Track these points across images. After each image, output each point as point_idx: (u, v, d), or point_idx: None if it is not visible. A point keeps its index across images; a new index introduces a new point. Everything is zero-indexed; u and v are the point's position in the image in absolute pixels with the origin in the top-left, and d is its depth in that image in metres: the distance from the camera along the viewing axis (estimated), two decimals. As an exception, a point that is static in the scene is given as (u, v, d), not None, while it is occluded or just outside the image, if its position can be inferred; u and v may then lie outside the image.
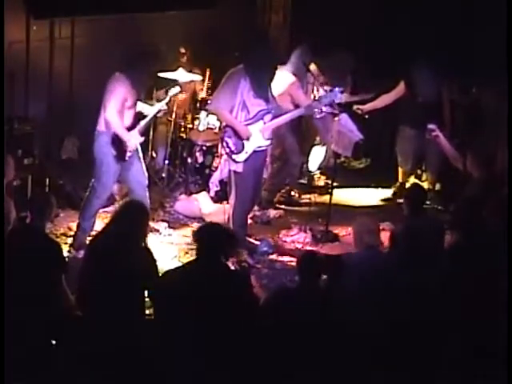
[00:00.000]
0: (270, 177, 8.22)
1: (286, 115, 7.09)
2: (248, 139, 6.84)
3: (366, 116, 8.61)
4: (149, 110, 7.17)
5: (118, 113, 6.70)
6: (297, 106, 7.60)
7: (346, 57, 8.81)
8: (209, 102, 8.36)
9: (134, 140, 6.88)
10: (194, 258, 4.97)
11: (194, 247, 4.96)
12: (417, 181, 9.14)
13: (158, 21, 8.84)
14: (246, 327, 4.72)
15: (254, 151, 6.91)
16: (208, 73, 9.01)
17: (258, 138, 6.90)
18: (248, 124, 6.84)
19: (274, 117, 6.97)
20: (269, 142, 7.03)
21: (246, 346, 4.69)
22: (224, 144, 6.95)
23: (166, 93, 7.78)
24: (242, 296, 4.82)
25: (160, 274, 5.09)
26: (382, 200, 8.87)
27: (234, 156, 6.89)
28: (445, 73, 8.40)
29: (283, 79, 7.70)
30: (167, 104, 7.57)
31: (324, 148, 8.90)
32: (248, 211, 7.23)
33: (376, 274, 5.10)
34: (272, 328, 4.70)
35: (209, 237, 4.88)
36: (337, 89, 7.22)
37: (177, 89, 7.75)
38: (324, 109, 7.31)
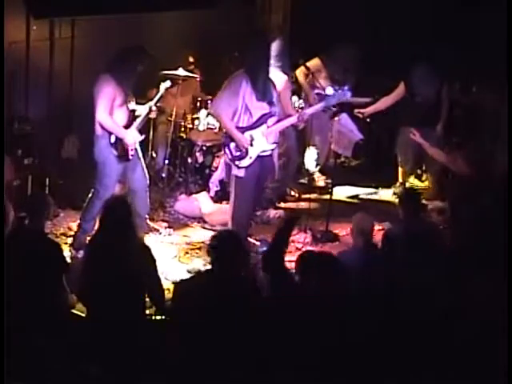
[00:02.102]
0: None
1: (290, 118, 7.04)
2: (252, 145, 6.78)
3: (368, 120, 8.61)
4: (142, 109, 7.17)
5: (108, 112, 6.70)
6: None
7: (352, 51, 8.78)
8: (209, 103, 8.42)
9: (131, 137, 6.88)
10: (209, 268, 4.85)
11: (209, 258, 4.81)
12: (417, 181, 9.15)
13: (157, 21, 8.86)
14: (264, 333, 4.68)
15: (258, 156, 6.84)
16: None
17: (262, 142, 6.82)
18: (251, 128, 6.79)
19: (278, 120, 6.91)
20: (273, 145, 6.93)
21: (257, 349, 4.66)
22: (226, 150, 6.87)
23: (158, 89, 7.76)
24: (259, 304, 4.78)
25: (175, 285, 5.03)
26: (382, 200, 8.87)
27: (236, 162, 6.81)
28: (445, 73, 8.41)
29: (277, 78, 7.64)
30: (161, 100, 7.57)
31: (316, 149, 8.89)
32: (248, 214, 7.11)
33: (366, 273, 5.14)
34: (273, 328, 4.69)
35: (223, 247, 4.77)
36: (346, 87, 7.18)
37: (167, 83, 7.72)
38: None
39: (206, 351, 4.58)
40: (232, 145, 6.81)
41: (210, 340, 4.58)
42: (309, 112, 7.25)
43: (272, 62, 7.63)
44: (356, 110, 8.54)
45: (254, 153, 6.81)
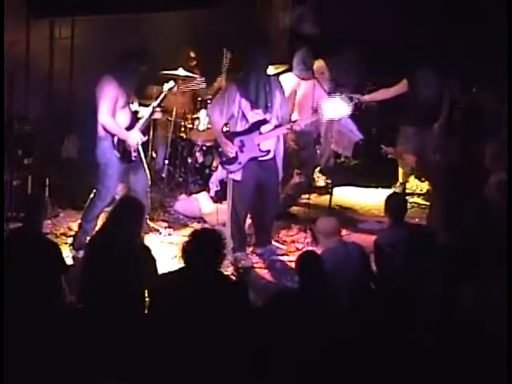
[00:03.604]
0: (293, 182, 8.01)
1: (281, 128, 6.86)
2: (242, 151, 6.74)
3: (363, 106, 8.57)
4: (145, 110, 7.18)
5: (110, 114, 6.70)
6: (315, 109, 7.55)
7: (355, 57, 8.76)
8: (209, 102, 8.42)
9: (133, 138, 6.89)
10: (183, 266, 4.80)
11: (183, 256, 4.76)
12: (417, 181, 9.15)
13: (158, 21, 8.86)
14: (242, 332, 4.67)
15: (257, 160, 6.82)
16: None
17: (253, 148, 6.77)
18: (243, 134, 6.75)
19: (276, 126, 6.83)
20: (265, 152, 6.83)
21: (244, 349, 4.65)
22: (217, 154, 6.99)
23: (161, 89, 7.77)
24: (237, 303, 4.76)
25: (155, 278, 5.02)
26: (382, 200, 8.85)
27: (226, 166, 6.84)
28: (447, 73, 8.41)
29: (289, 81, 7.64)
30: (163, 100, 7.57)
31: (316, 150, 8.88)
32: (246, 216, 7.06)
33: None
34: (272, 328, 4.69)
35: (198, 244, 4.72)
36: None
37: (171, 83, 7.73)
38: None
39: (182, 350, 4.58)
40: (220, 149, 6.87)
41: (187, 339, 4.58)
42: (302, 123, 7.16)
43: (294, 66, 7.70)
44: (355, 96, 8.47)
45: (243, 159, 6.78)
